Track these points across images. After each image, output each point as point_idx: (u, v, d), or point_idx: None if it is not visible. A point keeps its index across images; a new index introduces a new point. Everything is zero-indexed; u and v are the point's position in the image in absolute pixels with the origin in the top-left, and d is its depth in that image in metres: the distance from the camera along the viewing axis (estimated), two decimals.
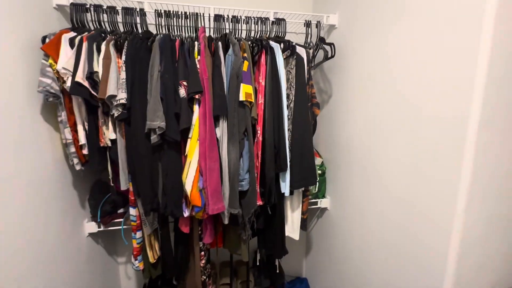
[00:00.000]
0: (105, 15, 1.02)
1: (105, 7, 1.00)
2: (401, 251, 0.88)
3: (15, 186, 0.76)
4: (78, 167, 0.96)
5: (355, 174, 1.15)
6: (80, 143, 0.95)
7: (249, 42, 1.08)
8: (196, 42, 0.98)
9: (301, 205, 1.22)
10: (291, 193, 1.19)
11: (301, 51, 1.09)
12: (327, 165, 1.41)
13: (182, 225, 1.07)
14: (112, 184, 1.06)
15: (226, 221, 1.06)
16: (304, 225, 1.23)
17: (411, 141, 0.82)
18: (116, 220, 1.18)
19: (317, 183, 1.38)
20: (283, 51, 1.07)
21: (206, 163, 0.94)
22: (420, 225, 0.80)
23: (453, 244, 0.71)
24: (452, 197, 0.69)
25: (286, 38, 1.15)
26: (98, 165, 0.96)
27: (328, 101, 1.38)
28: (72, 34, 0.89)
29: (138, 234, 1.11)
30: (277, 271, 1.36)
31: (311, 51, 1.16)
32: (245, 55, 0.99)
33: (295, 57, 1.07)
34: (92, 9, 0.99)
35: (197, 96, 0.93)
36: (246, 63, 0.97)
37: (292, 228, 1.26)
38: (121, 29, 1.05)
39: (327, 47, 1.18)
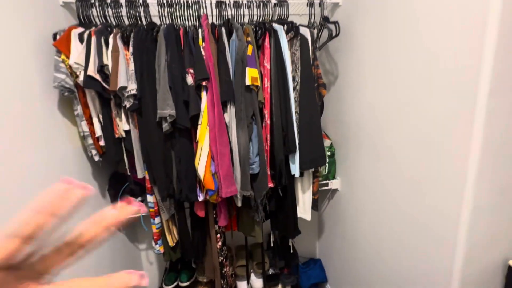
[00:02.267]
0: (109, 9, 1.04)
1: (109, 1, 1.02)
2: (413, 227, 0.89)
3: (37, 178, 0.81)
4: (96, 158, 1.01)
5: (364, 154, 1.15)
6: (96, 135, 0.99)
7: (252, 26, 1.08)
8: (199, 30, 0.99)
9: (311, 186, 1.24)
10: (301, 174, 1.20)
11: (305, 32, 1.08)
12: (336, 146, 1.42)
13: (198, 209, 1.12)
14: (129, 174, 1.11)
15: (239, 204, 1.10)
16: (315, 205, 1.26)
17: (421, 115, 0.82)
18: None
19: (327, 164, 1.39)
20: (286, 32, 1.07)
21: (217, 148, 0.97)
22: (432, 198, 0.80)
23: (464, 214, 0.71)
24: (463, 168, 0.69)
25: (289, 20, 1.14)
26: (115, 156, 1.01)
27: (334, 82, 1.37)
28: (80, 29, 0.92)
29: (157, 220, 1.16)
30: (291, 252, 1.40)
31: (315, 31, 1.14)
32: (249, 39, 0.99)
33: (299, 38, 1.06)
34: (97, 4, 1.01)
35: (204, 83, 0.95)
36: (250, 47, 0.98)
37: (303, 209, 1.28)
38: (126, 22, 1.07)
39: (332, 26, 1.16)
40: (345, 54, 1.23)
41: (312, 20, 1.24)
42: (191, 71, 0.94)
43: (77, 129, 1.01)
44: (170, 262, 1.53)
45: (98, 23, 1.05)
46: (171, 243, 1.19)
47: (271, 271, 1.56)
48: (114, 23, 1.06)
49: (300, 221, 1.28)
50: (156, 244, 1.19)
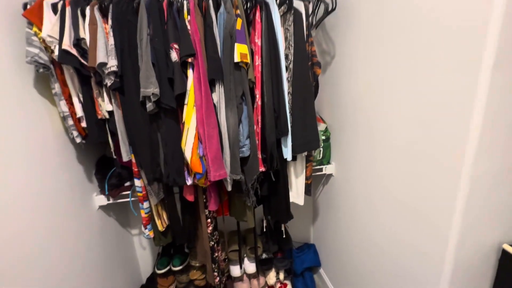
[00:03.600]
0: None
1: None
2: (406, 211, 0.87)
3: (16, 159, 0.78)
4: (78, 140, 0.97)
5: (359, 137, 1.11)
6: (77, 116, 0.94)
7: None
8: (185, 1, 0.92)
9: (304, 170, 1.21)
10: (294, 158, 1.17)
11: (299, 5, 1.01)
12: (332, 130, 1.37)
13: (187, 193, 1.09)
14: (115, 157, 1.07)
15: (229, 188, 1.06)
16: (308, 190, 1.23)
17: (420, 95, 0.77)
18: (124, 193, 1.21)
19: (321, 149, 1.36)
20: (279, 6, 1.00)
21: (205, 129, 0.92)
22: (427, 180, 0.77)
23: (460, 197, 0.68)
24: (461, 150, 0.66)
25: None
26: (98, 138, 0.96)
27: (331, 62, 1.31)
28: (55, 0, 0.85)
29: (146, 204, 1.13)
30: (284, 236, 1.39)
31: (310, 5, 1.07)
32: (238, 12, 0.92)
33: (292, 12, 0.99)
34: None
35: (190, 60, 0.89)
36: (239, 20, 0.91)
37: (296, 193, 1.26)
38: None
39: (328, 0, 1.09)
40: (341, 31, 1.16)
41: None
42: (176, 46, 0.88)
43: (56, 109, 0.95)
44: (163, 247, 1.52)
45: None
46: (160, 228, 1.17)
47: (264, 255, 1.56)
48: None
49: (295, 206, 1.26)
50: (145, 229, 1.17)
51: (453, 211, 0.70)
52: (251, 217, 1.21)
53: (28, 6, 0.81)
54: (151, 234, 1.19)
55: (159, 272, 1.41)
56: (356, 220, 1.21)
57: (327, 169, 1.40)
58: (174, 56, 0.88)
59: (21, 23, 0.81)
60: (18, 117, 0.80)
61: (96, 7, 0.85)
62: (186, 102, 0.92)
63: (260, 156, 1.06)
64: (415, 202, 0.82)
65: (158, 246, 1.49)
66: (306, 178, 1.21)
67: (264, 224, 1.41)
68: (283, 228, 1.37)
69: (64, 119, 0.94)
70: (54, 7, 0.83)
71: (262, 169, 1.07)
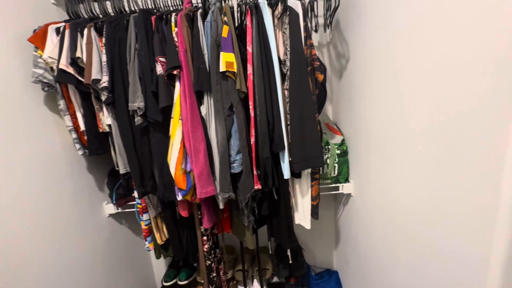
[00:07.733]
0: (95, 4, 1.03)
1: None
2: (434, 241, 0.66)
3: (27, 168, 0.86)
4: (80, 152, 1.03)
5: (373, 152, 0.92)
6: (81, 129, 1.00)
7: (236, 5, 0.95)
8: (173, 14, 0.90)
9: (310, 190, 1.06)
10: (298, 175, 1.04)
11: (296, 5, 0.90)
12: (350, 143, 1.19)
13: (181, 208, 1.05)
14: (117, 169, 1.11)
15: (221, 206, 0.99)
16: (315, 212, 1.07)
17: (444, 103, 0.58)
18: (131, 203, 1.25)
19: (336, 165, 1.19)
20: (273, 7, 0.91)
21: (190, 143, 0.88)
22: (460, 205, 0.57)
23: (498, 230, 0.48)
24: (498, 172, 0.46)
25: None
26: (97, 150, 1.00)
27: (346, 66, 1.14)
28: (60, 24, 0.92)
29: (145, 216, 1.14)
30: (290, 262, 1.24)
31: (309, 4, 0.95)
32: (225, 19, 0.87)
33: (288, 13, 0.89)
34: None
35: (175, 72, 0.86)
36: (225, 28, 0.85)
37: (303, 215, 1.11)
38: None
39: None
40: (354, 30, 1.00)
41: None
42: (161, 59, 0.86)
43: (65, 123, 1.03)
44: (172, 258, 1.52)
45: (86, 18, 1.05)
46: (159, 241, 1.16)
47: (275, 279, 1.43)
48: (101, 17, 1.05)
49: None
50: (145, 241, 1.17)
51: (491, 248, 0.49)
52: (250, 238, 1.11)
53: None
54: (151, 247, 1.18)
55: (165, 284, 1.40)
56: (373, 254, 1.00)
57: (344, 188, 1.22)
58: (159, 69, 0.86)
59: (30, 47, 0.90)
60: (25, 130, 0.88)
61: (92, 28, 0.90)
62: (172, 115, 0.89)
63: (255, 172, 0.97)
64: (442, 234, 0.62)
65: (157, 259, 1.47)
66: (312, 199, 1.06)
67: (270, 246, 1.28)
68: (288, 253, 1.22)
69: (70, 132, 1.01)
70: (57, 30, 0.91)
71: (257, 186, 0.97)
